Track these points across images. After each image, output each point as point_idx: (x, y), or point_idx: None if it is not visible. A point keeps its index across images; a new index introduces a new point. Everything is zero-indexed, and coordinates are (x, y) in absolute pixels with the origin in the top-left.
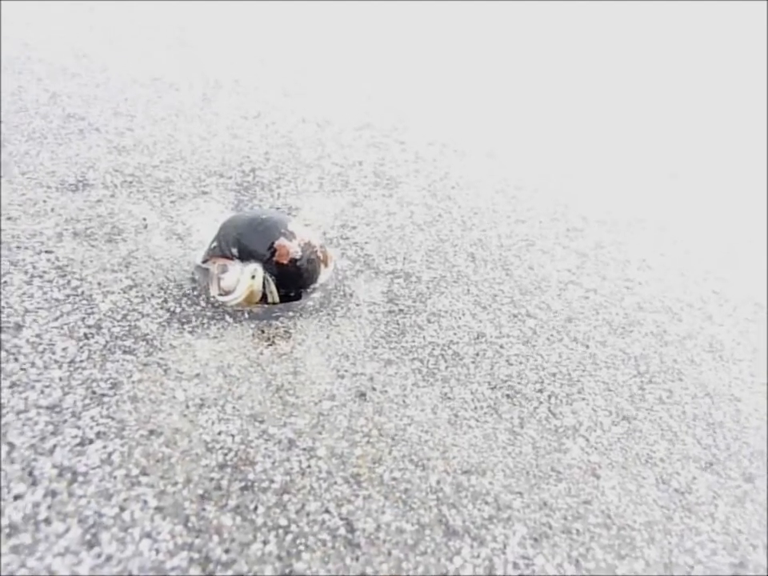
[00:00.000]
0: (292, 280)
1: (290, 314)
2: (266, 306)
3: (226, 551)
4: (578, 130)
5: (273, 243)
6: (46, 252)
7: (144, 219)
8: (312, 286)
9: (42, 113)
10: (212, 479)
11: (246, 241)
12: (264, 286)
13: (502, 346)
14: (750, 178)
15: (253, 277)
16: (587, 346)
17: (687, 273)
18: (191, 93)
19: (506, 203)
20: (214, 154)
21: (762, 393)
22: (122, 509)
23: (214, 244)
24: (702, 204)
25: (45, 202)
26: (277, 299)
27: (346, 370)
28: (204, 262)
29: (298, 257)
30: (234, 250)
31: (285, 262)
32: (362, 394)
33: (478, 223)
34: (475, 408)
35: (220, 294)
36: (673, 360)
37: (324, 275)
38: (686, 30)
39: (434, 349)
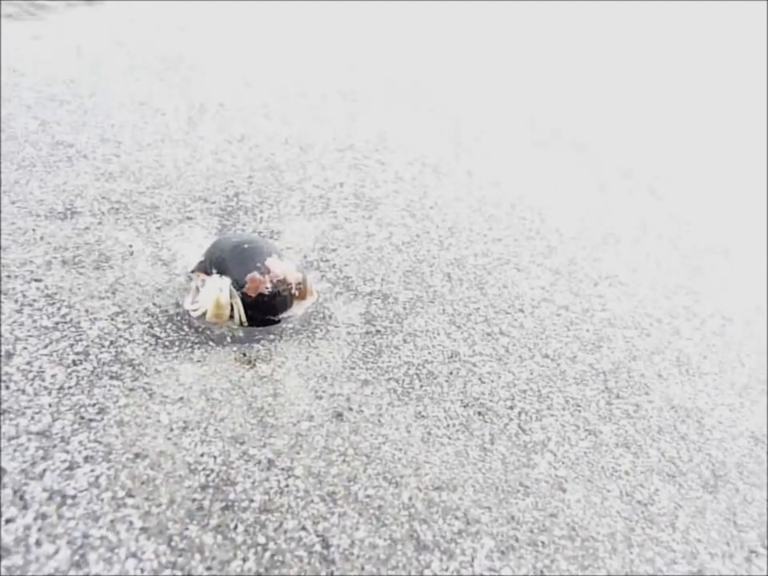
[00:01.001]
0: (258, 310)
1: (271, 336)
2: (246, 326)
3: (208, 569)
4: (555, 146)
5: (246, 275)
6: (36, 280)
7: (130, 246)
8: (280, 316)
9: (31, 141)
10: (194, 500)
11: (225, 265)
12: (231, 296)
13: (475, 365)
14: (723, 193)
15: (221, 289)
16: (558, 363)
17: (658, 288)
18: (177, 117)
19: (483, 222)
20: (198, 179)
21: (726, 405)
22: (109, 530)
23: (202, 258)
24: (674, 218)
25: (34, 230)
26: (243, 316)
27: (323, 391)
28: (192, 272)
29: (266, 293)
30: (214, 270)
31: (252, 295)
32: (339, 414)
33: (455, 242)
34: (448, 426)
35: (192, 303)
36: (640, 375)
37: (298, 308)
38: (667, 35)
39: (409, 368)
